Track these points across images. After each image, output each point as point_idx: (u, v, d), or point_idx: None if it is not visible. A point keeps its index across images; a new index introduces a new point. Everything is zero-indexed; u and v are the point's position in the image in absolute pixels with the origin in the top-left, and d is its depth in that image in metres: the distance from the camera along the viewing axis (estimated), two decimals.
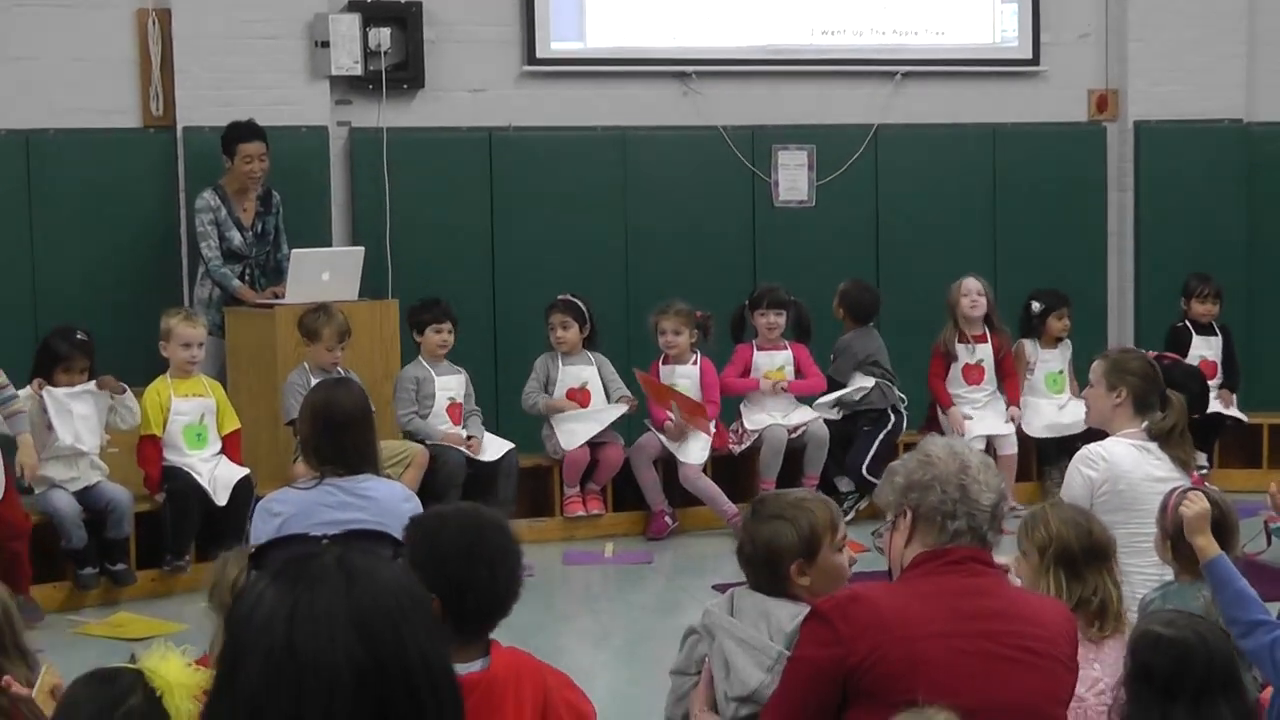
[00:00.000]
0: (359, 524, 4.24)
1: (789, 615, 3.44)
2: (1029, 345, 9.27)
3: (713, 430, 8.66)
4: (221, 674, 1.84)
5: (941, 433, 8.62)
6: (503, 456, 8.22)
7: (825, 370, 9.02)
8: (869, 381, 8.88)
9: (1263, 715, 3.84)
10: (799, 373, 8.92)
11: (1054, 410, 9.14)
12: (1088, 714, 3.74)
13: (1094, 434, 5.83)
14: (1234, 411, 9.33)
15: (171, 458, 7.50)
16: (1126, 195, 10.45)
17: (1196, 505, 4.11)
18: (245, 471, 7.54)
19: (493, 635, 3.21)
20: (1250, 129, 10.43)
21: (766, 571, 3.57)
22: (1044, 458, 9.21)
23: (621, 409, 8.60)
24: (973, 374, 9.05)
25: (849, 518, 8.65)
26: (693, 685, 3.69)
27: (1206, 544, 4.01)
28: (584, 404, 8.64)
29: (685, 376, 8.72)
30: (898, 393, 8.91)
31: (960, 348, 9.03)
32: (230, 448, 7.67)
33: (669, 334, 8.69)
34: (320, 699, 1.77)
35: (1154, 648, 3.35)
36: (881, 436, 8.78)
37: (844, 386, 8.92)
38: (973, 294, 9.00)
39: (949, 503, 3.26)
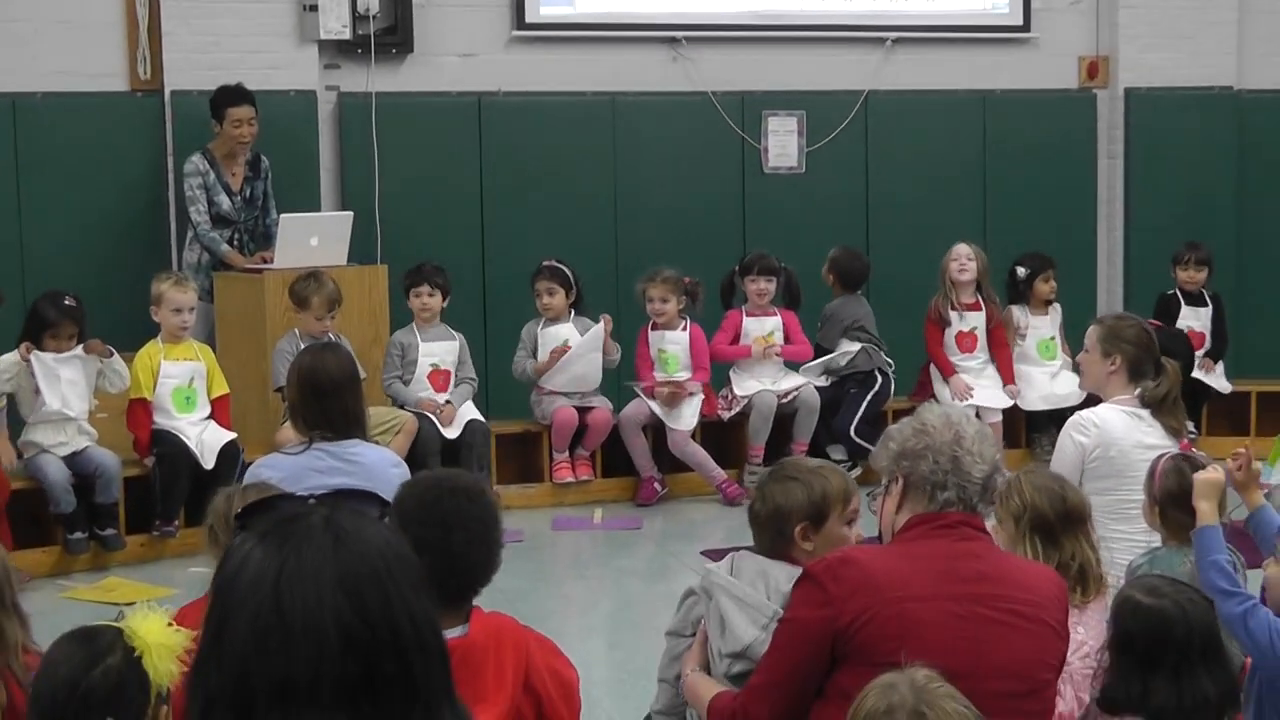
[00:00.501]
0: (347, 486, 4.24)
1: (787, 576, 3.46)
2: (1017, 311, 9.23)
3: (701, 396, 8.66)
4: (208, 635, 1.84)
5: (934, 398, 8.63)
6: (464, 430, 8.16)
7: (813, 337, 9.02)
8: (854, 346, 8.89)
9: (1243, 683, 3.86)
10: (788, 339, 8.92)
11: (1047, 380, 9.10)
12: (1073, 677, 3.76)
13: (1089, 402, 5.83)
14: (1214, 381, 9.27)
15: (160, 421, 7.50)
16: (1116, 163, 10.44)
17: (1215, 474, 4.09)
18: (232, 435, 7.54)
19: (483, 600, 3.22)
20: (1241, 96, 10.42)
21: (772, 531, 3.59)
22: (1033, 425, 9.21)
23: (598, 328, 8.53)
24: (965, 341, 9.04)
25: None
26: (687, 646, 3.71)
27: (1209, 510, 3.99)
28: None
29: (675, 343, 8.72)
30: (884, 356, 8.92)
31: (953, 315, 9.02)
32: (219, 412, 7.66)
33: (656, 301, 8.67)
34: (308, 660, 1.77)
35: (1134, 615, 3.35)
36: (869, 399, 8.80)
37: (831, 353, 8.93)
38: (961, 259, 8.98)
39: (940, 473, 3.27)
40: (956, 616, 3.15)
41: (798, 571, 3.40)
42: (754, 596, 3.48)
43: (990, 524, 4.02)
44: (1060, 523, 4.03)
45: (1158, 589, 3.41)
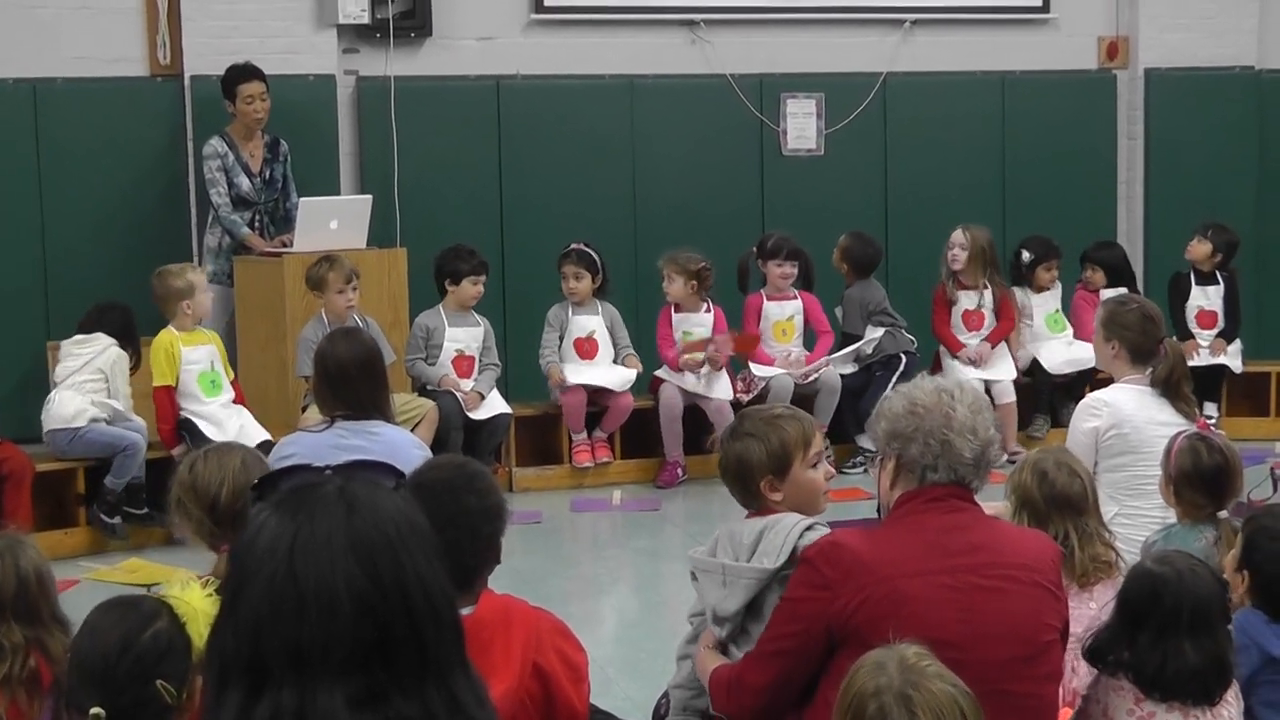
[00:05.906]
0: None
1: (750, 530, 3.58)
2: (1019, 294, 9.23)
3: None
4: (226, 600, 1.87)
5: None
6: (491, 418, 8.17)
7: (834, 321, 9.03)
8: (878, 331, 8.91)
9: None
10: (808, 322, 8.93)
11: (1064, 346, 9.15)
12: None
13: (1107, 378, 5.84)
14: (1225, 360, 9.15)
15: (191, 406, 7.50)
16: (1136, 143, 10.41)
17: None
18: (265, 436, 7.48)
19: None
20: (1261, 76, 10.38)
21: (740, 487, 3.69)
22: (1054, 416, 9.13)
23: (629, 374, 8.58)
24: (972, 319, 9.06)
25: (863, 471, 8.65)
26: (702, 626, 3.81)
27: None
28: (590, 354, 8.62)
29: (700, 325, 8.69)
30: (907, 336, 8.94)
31: (961, 294, 9.03)
32: (238, 394, 7.70)
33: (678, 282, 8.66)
34: (320, 625, 1.80)
35: (1135, 577, 3.39)
36: (894, 379, 8.79)
37: (856, 338, 8.95)
38: (955, 248, 8.98)
39: (930, 456, 3.28)
40: (948, 589, 3.17)
41: (761, 524, 3.55)
42: (713, 563, 3.59)
43: (1001, 505, 4.07)
44: (1048, 505, 4.08)
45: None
